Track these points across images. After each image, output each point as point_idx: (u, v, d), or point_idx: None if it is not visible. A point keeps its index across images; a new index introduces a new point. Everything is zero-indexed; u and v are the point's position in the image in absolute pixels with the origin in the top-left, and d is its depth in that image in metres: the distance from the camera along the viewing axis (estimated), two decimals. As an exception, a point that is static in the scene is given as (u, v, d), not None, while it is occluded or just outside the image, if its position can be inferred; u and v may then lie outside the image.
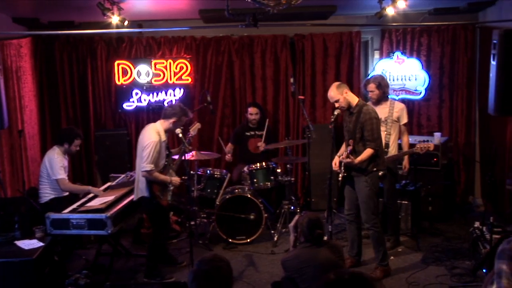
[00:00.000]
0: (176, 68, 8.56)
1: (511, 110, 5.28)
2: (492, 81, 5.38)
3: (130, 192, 6.41)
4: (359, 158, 5.89)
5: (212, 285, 2.92)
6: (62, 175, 6.73)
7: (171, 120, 6.08)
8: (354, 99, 6.05)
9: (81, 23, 8.18)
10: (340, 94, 5.98)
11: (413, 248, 7.00)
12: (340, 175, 6.21)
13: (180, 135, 6.08)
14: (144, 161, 5.87)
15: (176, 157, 6.46)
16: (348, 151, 5.91)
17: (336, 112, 6.08)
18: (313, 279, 4.46)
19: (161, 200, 6.05)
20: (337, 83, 6.19)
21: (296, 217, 4.90)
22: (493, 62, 5.33)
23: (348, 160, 5.88)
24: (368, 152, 5.89)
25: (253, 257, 6.90)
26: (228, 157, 8.14)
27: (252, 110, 8.15)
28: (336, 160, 6.24)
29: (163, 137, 6.04)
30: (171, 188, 6.18)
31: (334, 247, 4.79)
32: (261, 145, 8.00)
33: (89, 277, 5.17)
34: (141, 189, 6.03)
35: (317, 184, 8.37)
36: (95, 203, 6.22)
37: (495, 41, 5.29)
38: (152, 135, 5.95)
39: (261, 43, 8.64)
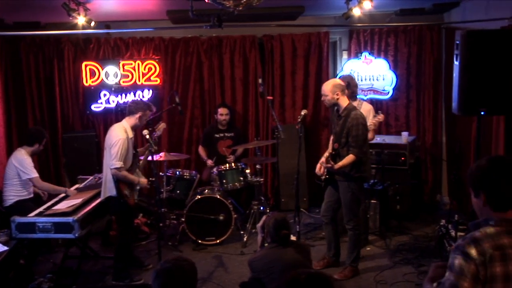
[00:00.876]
0: (144, 69, 8.51)
1: (473, 110, 5.35)
2: (455, 81, 5.45)
3: (98, 194, 6.36)
4: (339, 164, 5.85)
5: (174, 283, 2.93)
6: (36, 173, 6.72)
7: (137, 115, 6.11)
8: (344, 102, 6.00)
9: (47, 23, 8.07)
10: (330, 93, 5.95)
11: (381, 247, 7.08)
12: (323, 177, 6.24)
13: (147, 136, 6.06)
14: (113, 158, 5.87)
15: (142, 157, 6.46)
16: (329, 156, 5.91)
17: (303, 113, 6.11)
18: (280, 279, 4.47)
19: (128, 199, 6.03)
20: (336, 81, 6.16)
21: (264, 218, 4.92)
22: (456, 62, 5.40)
23: (328, 165, 5.87)
24: (349, 158, 5.85)
25: (222, 258, 6.91)
26: (210, 162, 8.09)
27: (222, 110, 8.14)
28: (322, 161, 6.27)
29: (130, 134, 6.06)
30: (138, 188, 6.20)
31: (301, 247, 4.82)
32: (230, 158, 8.00)
33: (53, 281, 5.12)
34: (108, 188, 6.02)
35: (287, 184, 8.40)
36: (62, 206, 6.14)
37: (457, 42, 5.36)
38: (119, 132, 5.96)
39: (230, 43, 8.62)
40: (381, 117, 6.72)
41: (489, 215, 2.51)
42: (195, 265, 3.14)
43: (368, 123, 6.91)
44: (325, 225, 6.41)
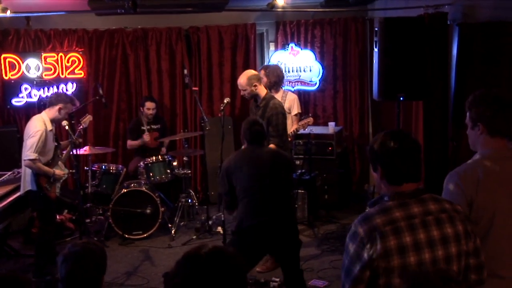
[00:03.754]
0: (68, 62, 8.22)
1: (392, 95, 5.46)
2: (375, 67, 5.56)
3: (16, 189, 6.14)
4: None
5: (83, 267, 2.80)
6: None
7: (57, 107, 5.94)
8: (262, 92, 6.00)
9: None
10: (248, 86, 5.93)
11: (309, 236, 7.13)
12: None
13: (67, 127, 5.90)
14: (28, 149, 5.69)
15: (65, 151, 6.29)
16: None
17: (225, 101, 6.09)
18: (250, 177, 4.62)
19: (49, 192, 5.86)
20: (250, 73, 6.13)
21: None
22: (376, 49, 5.51)
23: None
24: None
25: (149, 252, 6.82)
26: (146, 136, 7.88)
27: (149, 105, 7.97)
28: None
29: (49, 127, 5.87)
30: (61, 180, 6.03)
31: (279, 155, 4.94)
32: (163, 151, 7.89)
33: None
34: (28, 182, 5.83)
35: (215, 177, 8.32)
36: (-25, 202, 5.90)
37: (376, 29, 5.47)
38: (37, 124, 5.79)
39: (156, 36, 8.48)
40: (310, 120, 6.75)
41: (385, 190, 2.55)
42: (105, 249, 3.04)
43: (293, 113, 6.96)
44: None
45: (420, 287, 1.73)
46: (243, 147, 4.91)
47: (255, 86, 5.94)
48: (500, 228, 2.87)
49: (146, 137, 7.86)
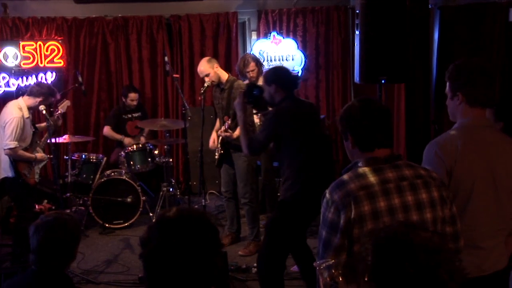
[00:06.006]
0: (47, 51, 8.10)
1: (374, 78, 5.41)
2: (356, 50, 5.51)
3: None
4: (237, 132, 5.81)
5: (54, 238, 2.72)
6: None
7: (38, 99, 5.85)
8: (224, 75, 6.02)
9: None
10: (210, 68, 5.92)
11: (291, 223, 7.07)
12: (217, 153, 6.16)
13: (44, 111, 5.81)
14: (7, 138, 5.58)
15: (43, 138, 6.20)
16: (226, 126, 5.85)
17: (206, 84, 6.03)
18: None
19: (28, 178, 5.76)
20: (207, 57, 6.15)
21: None
22: (357, 32, 5.46)
23: (227, 134, 5.82)
24: None
25: (130, 241, 6.71)
26: (128, 140, 7.78)
27: (133, 96, 7.84)
28: (214, 136, 6.21)
29: (26, 114, 5.77)
30: (41, 165, 5.93)
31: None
32: (142, 140, 7.80)
33: None
34: (4, 169, 5.72)
35: (197, 166, 8.24)
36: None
37: (357, 11, 5.42)
38: (14, 111, 5.68)
39: (137, 24, 8.38)
40: None
41: (358, 157, 2.50)
42: (78, 221, 2.96)
43: None
44: (227, 201, 6.36)
45: (387, 240, 1.67)
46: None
47: (216, 67, 5.97)
48: (479, 197, 2.84)
49: (127, 141, 7.71)
